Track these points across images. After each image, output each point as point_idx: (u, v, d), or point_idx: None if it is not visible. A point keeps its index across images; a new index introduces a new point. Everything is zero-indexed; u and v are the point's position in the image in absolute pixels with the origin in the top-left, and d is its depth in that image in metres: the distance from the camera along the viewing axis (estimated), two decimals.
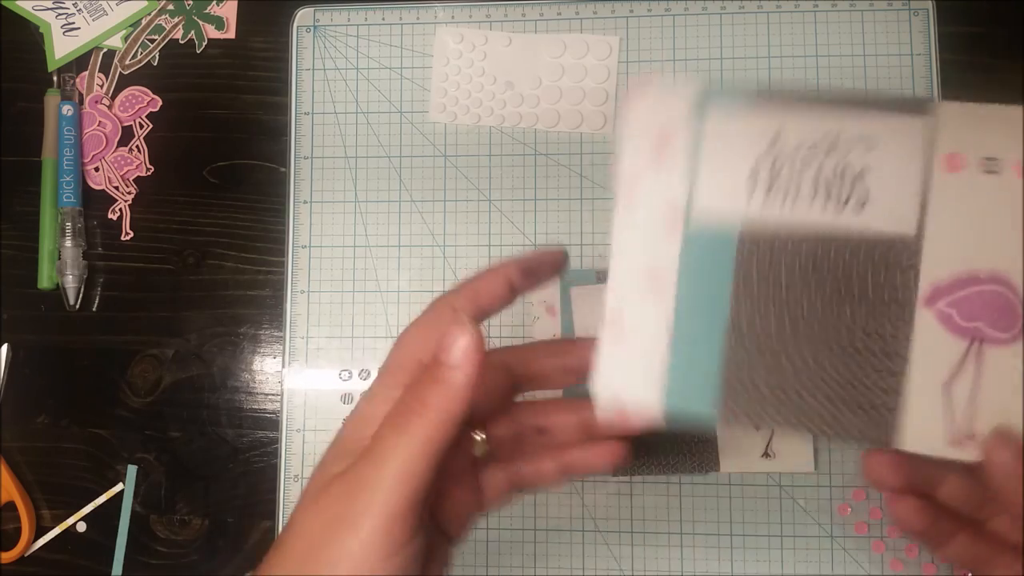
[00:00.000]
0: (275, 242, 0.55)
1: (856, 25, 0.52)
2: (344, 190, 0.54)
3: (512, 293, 0.33)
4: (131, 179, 0.56)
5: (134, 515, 0.53)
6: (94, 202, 0.56)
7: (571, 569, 0.50)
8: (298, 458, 0.52)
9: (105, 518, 0.53)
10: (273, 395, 0.54)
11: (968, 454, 0.31)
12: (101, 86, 0.57)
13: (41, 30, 0.57)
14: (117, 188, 0.56)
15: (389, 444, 0.29)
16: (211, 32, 0.57)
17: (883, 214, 0.31)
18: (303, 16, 0.56)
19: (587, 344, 0.33)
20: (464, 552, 0.51)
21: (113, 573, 0.53)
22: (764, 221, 0.32)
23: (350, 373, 0.53)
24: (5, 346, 0.55)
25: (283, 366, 0.53)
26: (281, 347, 0.54)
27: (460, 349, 0.30)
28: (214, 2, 0.57)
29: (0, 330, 0.55)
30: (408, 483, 0.28)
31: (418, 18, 0.55)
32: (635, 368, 0.33)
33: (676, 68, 0.54)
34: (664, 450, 0.50)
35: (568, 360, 0.36)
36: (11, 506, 0.53)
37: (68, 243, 0.54)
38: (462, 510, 0.34)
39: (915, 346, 0.31)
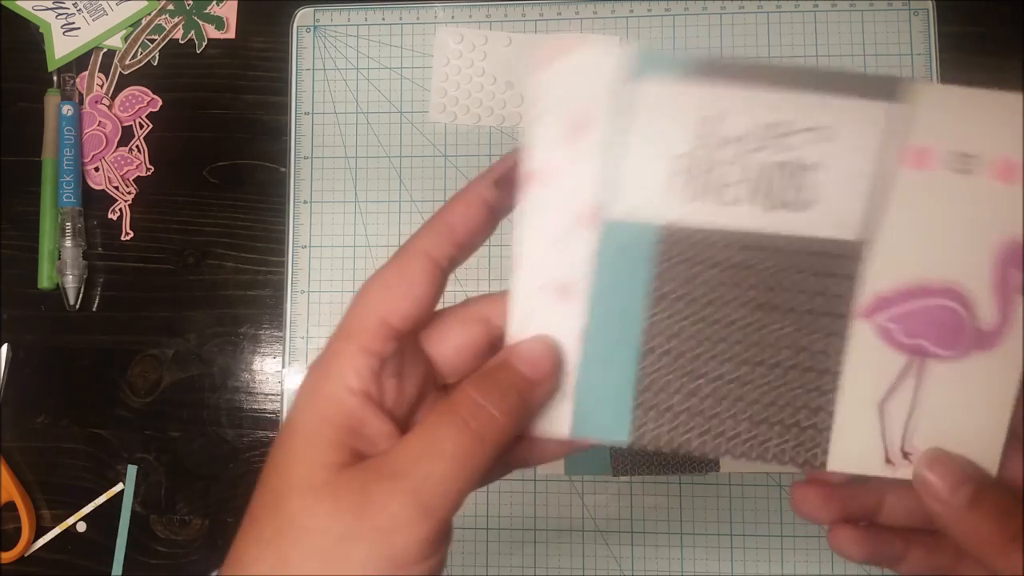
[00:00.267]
0: (275, 242, 0.55)
1: (856, 25, 0.53)
2: (344, 190, 0.55)
3: (492, 215, 0.29)
4: (131, 179, 0.56)
5: (134, 515, 0.53)
6: (94, 202, 0.56)
7: (571, 569, 0.50)
8: None
9: (105, 518, 0.54)
10: (273, 395, 0.54)
11: (904, 472, 0.29)
12: (101, 86, 0.57)
13: (41, 30, 0.57)
14: (117, 188, 0.56)
15: (457, 444, 0.26)
16: (211, 32, 0.57)
17: (826, 217, 0.28)
18: (303, 16, 0.56)
19: None
20: (464, 552, 0.51)
21: (113, 573, 0.53)
22: (688, 223, 0.28)
23: None
24: (5, 346, 0.55)
25: (283, 366, 0.53)
26: (281, 347, 0.54)
27: (546, 367, 0.28)
28: (214, 2, 0.57)
29: (0, 330, 0.55)
30: (468, 488, 0.26)
31: (418, 18, 0.55)
32: None
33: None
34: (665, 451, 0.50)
35: None
36: (11, 506, 0.53)
37: (68, 243, 0.54)
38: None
39: (848, 362, 0.28)
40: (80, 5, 0.58)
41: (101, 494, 0.54)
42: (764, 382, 0.29)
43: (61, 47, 0.58)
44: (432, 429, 0.27)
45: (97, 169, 0.57)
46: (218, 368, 0.55)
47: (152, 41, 0.58)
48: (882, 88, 0.26)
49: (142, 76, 0.57)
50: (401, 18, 0.56)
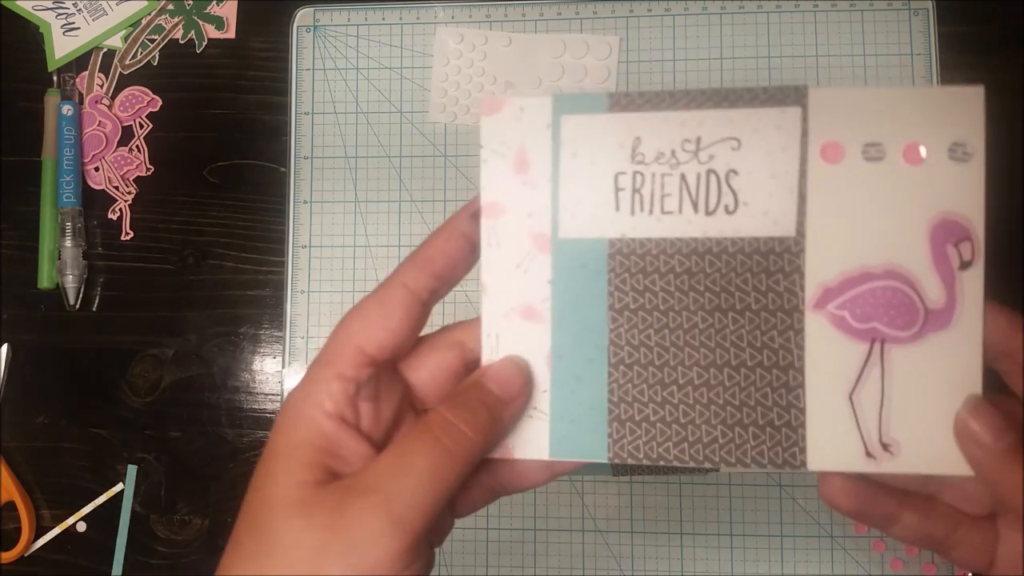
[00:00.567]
0: (275, 242, 0.55)
1: (856, 25, 0.53)
2: (344, 190, 0.55)
3: (472, 247, 0.31)
4: (131, 179, 0.56)
5: (134, 515, 0.53)
6: (94, 202, 0.56)
7: (571, 569, 0.51)
8: None
9: (105, 518, 0.54)
10: (273, 395, 0.54)
11: (888, 466, 0.29)
12: (101, 86, 0.57)
13: (41, 30, 0.58)
14: (117, 188, 0.56)
15: (428, 460, 0.27)
16: (211, 32, 0.57)
17: (757, 217, 0.30)
18: (303, 16, 0.56)
19: None
20: (464, 552, 0.51)
21: (113, 573, 0.53)
22: (633, 238, 0.30)
23: None
24: (5, 346, 0.55)
25: (283, 366, 0.54)
26: (281, 347, 0.54)
27: (516, 386, 0.30)
28: (214, 2, 0.57)
29: (0, 330, 0.55)
30: (440, 502, 0.27)
31: (418, 18, 0.55)
32: None
33: (676, 68, 0.54)
34: None
35: None
36: (11, 506, 0.53)
37: (68, 243, 0.55)
38: (439, 518, 0.33)
39: (809, 355, 0.29)
40: (80, 5, 0.58)
41: (101, 494, 0.54)
42: (732, 384, 0.30)
43: (61, 47, 0.58)
44: (405, 446, 0.28)
45: (97, 169, 0.57)
46: (218, 368, 0.55)
47: (152, 41, 0.58)
48: (778, 97, 0.29)
49: (142, 76, 0.58)
50: (401, 18, 0.56)
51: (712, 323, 0.30)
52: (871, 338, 0.29)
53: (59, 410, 0.56)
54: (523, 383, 0.30)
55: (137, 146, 0.57)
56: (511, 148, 0.31)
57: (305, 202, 0.56)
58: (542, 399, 0.31)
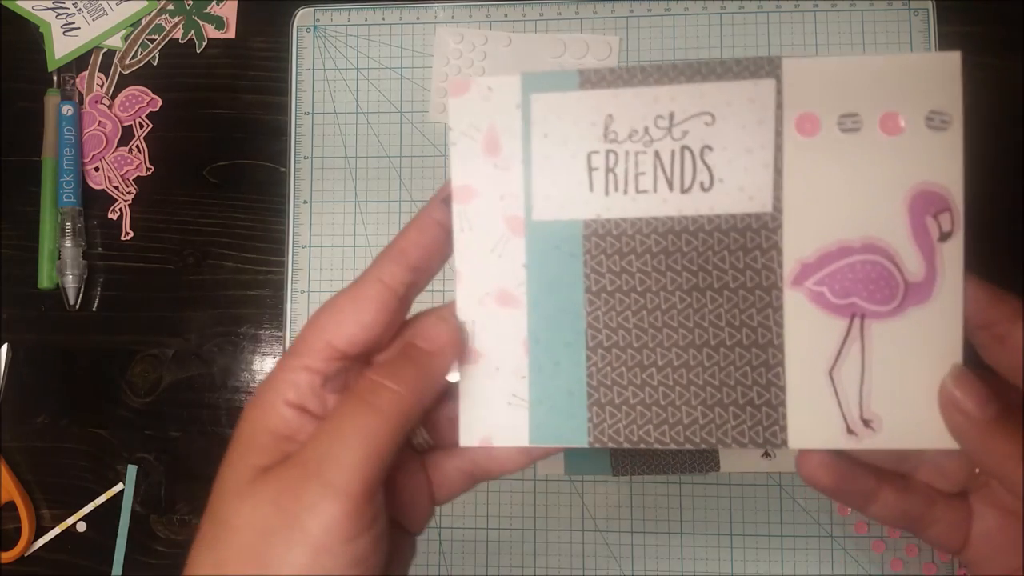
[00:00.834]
0: (275, 242, 0.55)
1: (856, 25, 0.53)
2: (344, 190, 0.55)
3: (447, 233, 0.31)
4: (131, 179, 0.56)
5: (134, 515, 0.54)
6: (94, 202, 0.57)
7: (571, 569, 0.51)
8: None
9: (105, 518, 0.54)
10: None
11: (869, 443, 0.29)
12: (101, 86, 0.57)
13: (41, 30, 0.58)
14: (117, 188, 0.56)
15: (355, 421, 0.27)
16: (211, 32, 0.57)
17: (733, 193, 0.29)
18: (303, 16, 0.56)
19: None
20: (464, 552, 0.51)
21: (113, 573, 0.53)
22: (608, 218, 0.30)
23: None
24: (5, 346, 0.55)
25: None
26: (281, 347, 0.54)
27: (442, 337, 0.30)
28: (214, 2, 0.57)
29: (0, 330, 0.55)
30: (375, 462, 0.27)
31: (418, 18, 0.56)
32: (496, 396, 0.31)
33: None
34: (664, 449, 0.50)
35: None
36: (11, 506, 0.54)
37: (68, 243, 0.55)
38: (414, 501, 0.32)
39: (789, 333, 0.29)
40: (80, 5, 0.58)
41: (101, 494, 0.55)
42: (711, 364, 0.30)
43: (61, 47, 0.58)
44: (335, 414, 0.28)
45: (97, 169, 0.57)
46: (218, 368, 0.55)
47: (152, 41, 0.58)
48: (752, 68, 0.29)
49: (142, 76, 0.58)
50: (401, 18, 0.56)
51: (690, 303, 0.29)
52: (851, 313, 0.29)
53: (59, 410, 0.56)
54: (448, 333, 0.30)
55: (137, 146, 0.58)
56: (480, 130, 0.30)
57: (305, 202, 0.56)
58: (520, 385, 0.30)
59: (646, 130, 0.29)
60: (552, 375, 0.30)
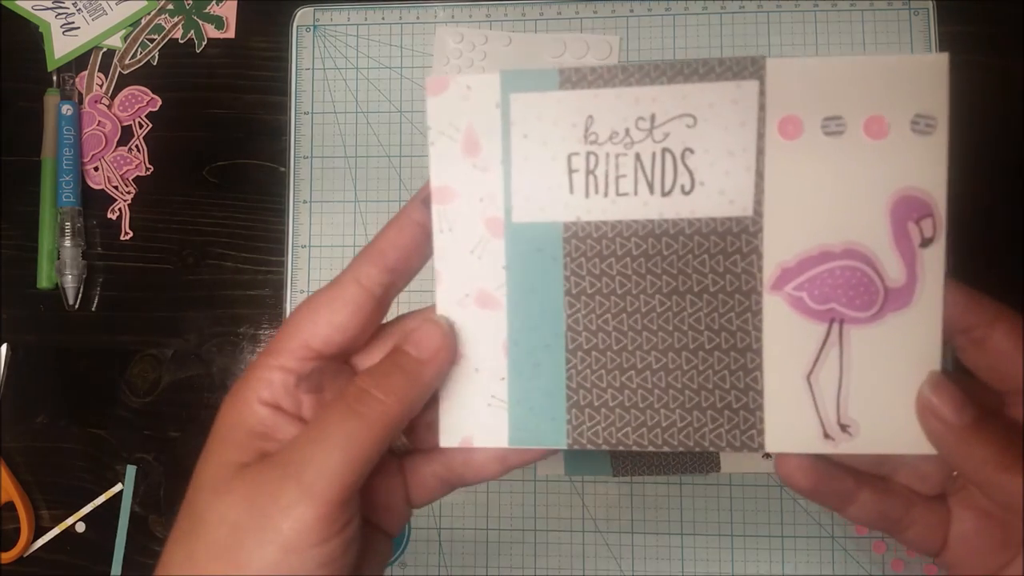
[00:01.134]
0: (275, 242, 0.55)
1: (856, 25, 0.53)
2: (344, 190, 0.55)
3: (427, 234, 0.31)
4: (130, 179, 0.56)
5: (133, 515, 0.54)
6: (93, 202, 0.57)
7: (571, 569, 0.51)
8: None
9: (104, 518, 0.55)
10: None
11: (846, 447, 0.29)
12: (101, 86, 0.57)
13: (41, 30, 0.58)
14: (116, 188, 0.56)
15: (339, 428, 0.28)
16: (211, 32, 0.57)
17: (714, 197, 0.29)
18: (303, 16, 0.56)
19: None
20: (464, 552, 0.51)
21: (112, 573, 0.53)
22: (588, 221, 0.30)
23: None
24: (4, 346, 0.55)
25: None
26: None
27: (433, 344, 0.30)
28: (214, 2, 0.57)
29: (0, 329, 0.55)
30: (355, 469, 0.27)
31: (418, 18, 0.56)
32: (476, 398, 0.31)
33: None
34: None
35: None
36: (10, 506, 0.54)
37: (67, 243, 0.55)
38: (390, 503, 0.32)
39: (767, 337, 0.29)
40: (80, 5, 0.58)
41: (100, 494, 0.55)
42: (690, 367, 0.30)
43: (61, 47, 0.58)
44: (319, 418, 0.29)
45: (96, 169, 0.57)
46: (217, 368, 0.55)
47: (152, 41, 0.58)
48: (734, 69, 0.28)
49: (142, 76, 0.58)
50: (401, 18, 0.57)
51: (670, 306, 0.29)
52: (830, 319, 0.29)
53: (58, 410, 0.56)
54: (441, 340, 0.30)
55: (136, 146, 0.58)
56: (459, 129, 0.30)
57: (305, 202, 0.56)
58: (500, 387, 0.30)
59: (627, 132, 0.29)
60: (531, 377, 0.30)
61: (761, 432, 0.29)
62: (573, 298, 0.30)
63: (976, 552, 0.31)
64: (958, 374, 0.30)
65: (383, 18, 0.58)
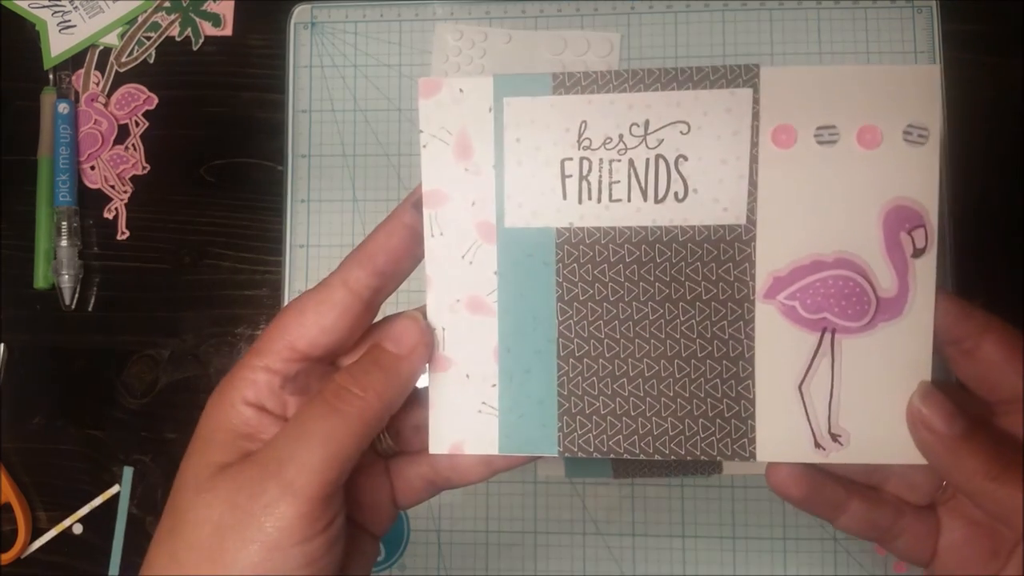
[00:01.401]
0: (272, 241, 0.55)
1: (859, 23, 0.53)
2: (342, 188, 0.55)
3: (416, 237, 0.31)
4: (127, 178, 0.56)
5: (130, 517, 0.54)
6: (90, 201, 0.57)
7: (571, 570, 0.51)
8: None
9: (101, 520, 0.55)
10: None
11: (837, 457, 0.29)
12: (97, 84, 0.57)
13: (37, 28, 0.58)
14: (113, 187, 0.56)
15: (318, 425, 0.28)
16: (208, 29, 0.57)
17: (707, 204, 0.29)
18: (300, 13, 0.56)
19: None
20: (464, 553, 0.51)
21: (110, 575, 0.53)
22: (581, 227, 0.30)
23: None
24: (1, 346, 0.55)
25: None
26: None
27: (411, 340, 0.30)
28: None
29: None
30: (335, 466, 0.27)
31: (417, 15, 0.56)
32: (466, 404, 0.31)
33: (678, 66, 0.54)
34: None
35: None
36: (7, 508, 0.54)
37: (64, 242, 0.55)
38: (376, 504, 0.33)
39: (759, 346, 0.29)
40: (76, 3, 0.58)
41: (97, 496, 0.55)
42: (682, 375, 0.30)
43: (57, 45, 0.58)
44: (299, 416, 0.29)
45: (93, 168, 0.57)
46: (214, 369, 0.55)
47: (148, 38, 0.58)
48: (729, 77, 0.29)
49: (138, 74, 0.58)
50: (399, 15, 0.56)
51: (662, 314, 0.30)
52: (821, 328, 0.29)
53: (55, 411, 0.56)
54: (419, 335, 0.30)
55: (133, 144, 0.58)
56: (452, 133, 0.30)
57: (302, 201, 0.56)
58: (490, 393, 0.31)
59: (620, 137, 0.29)
60: (522, 383, 0.31)
61: (752, 441, 0.30)
62: (565, 304, 0.30)
63: (966, 562, 0.31)
64: (948, 384, 0.30)
65: (381, 15, 0.57)
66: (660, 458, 0.30)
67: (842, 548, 0.51)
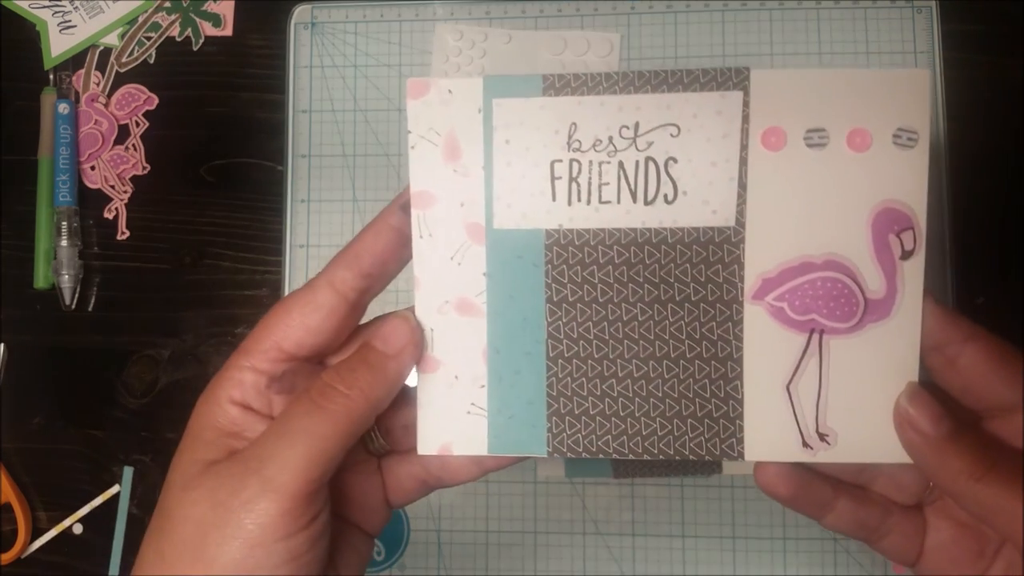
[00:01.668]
0: (272, 241, 0.55)
1: (859, 23, 0.53)
2: (342, 189, 0.55)
3: (404, 239, 0.31)
4: (127, 178, 0.57)
5: (130, 517, 0.54)
6: (90, 201, 0.57)
7: (571, 570, 0.51)
8: None
9: (101, 520, 0.55)
10: None
11: (824, 456, 0.30)
12: (97, 84, 0.57)
13: (37, 28, 0.58)
14: (113, 187, 0.56)
15: (302, 422, 0.28)
16: (208, 29, 0.57)
17: (697, 207, 0.29)
18: (301, 13, 0.57)
19: None
20: (464, 554, 0.51)
21: (110, 575, 0.53)
22: (570, 228, 0.30)
23: None
24: (1, 346, 0.56)
25: None
26: None
27: (400, 340, 0.30)
28: None
29: None
30: (318, 464, 0.27)
31: (417, 15, 0.56)
32: (455, 405, 0.31)
33: (678, 66, 0.54)
34: None
35: None
36: (7, 508, 0.54)
37: (64, 242, 0.55)
38: (368, 503, 0.33)
39: (748, 347, 0.30)
40: (76, 3, 0.58)
41: (97, 496, 0.55)
42: (670, 376, 0.30)
43: (57, 45, 0.58)
44: (283, 414, 0.29)
45: (93, 168, 0.57)
46: (214, 369, 0.55)
47: (149, 39, 0.58)
48: (719, 79, 0.29)
49: (138, 74, 0.58)
50: (400, 15, 0.57)
51: (651, 315, 0.30)
52: (810, 329, 0.30)
53: (55, 411, 0.56)
54: (408, 335, 0.30)
55: (133, 145, 0.58)
56: (440, 134, 0.30)
57: (302, 201, 0.56)
58: (479, 394, 0.31)
59: (610, 140, 0.29)
60: (512, 385, 0.31)
61: (741, 441, 0.30)
62: (555, 306, 0.30)
63: (952, 562, 0.32)
64: (935, 386, 0.30)
65: (382, 15, 0.57)
66: (649, 458, 0.30)
67: (842, 548, 0.51)
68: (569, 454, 0.31)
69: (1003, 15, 0.53)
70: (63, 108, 0.57)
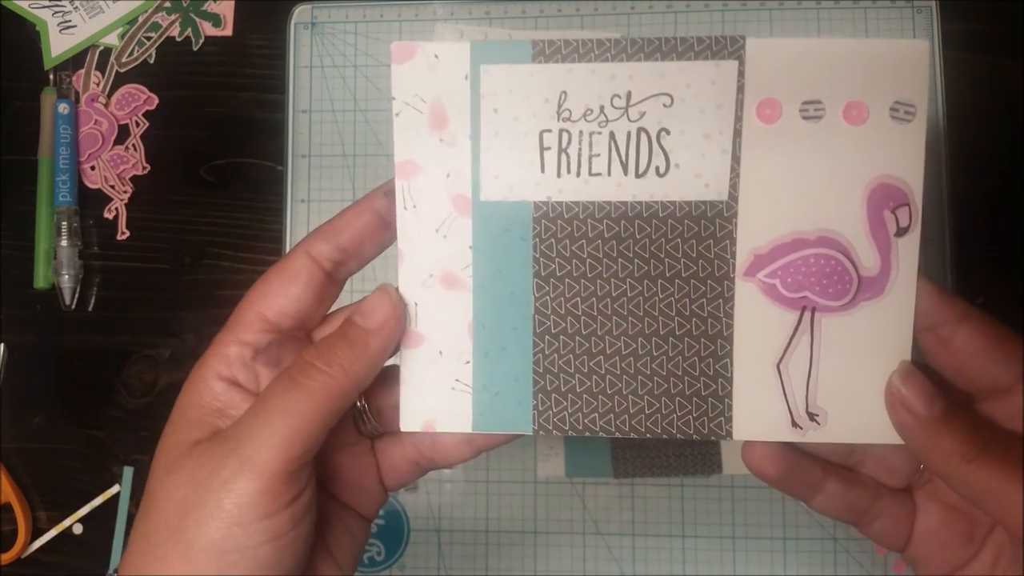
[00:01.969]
0: (272, 241, 0.55)
1: (859, 23, 0.53)
2: (342, 189, 0.55)
3: (384, 223, 0.30)
4: (127, 178, 0.57)
5: (130, 517, 0.54)
6: (90, 201, 0.57)
7: (571, 570, 0.51)
8: None
9: (101, 520, 0.55)
10: None
11: (813, 436, 0.29)
12: (97, 84, 0.57)
13: (37, 28, 0.58)
14: (113, 187, 0.57)
15: (281, 400, 0.28)
16: (208, 29, 0.57)
17: (689, 180, 0.28)
18: (301, 13, 0.57)
19: None
20: (464, 554, 0.52)
21: (109, 575, 0.53)
22: (559, 201, 0.29)
23: None
24: (1, 346, 0.56)
25: None
26: None
27: (381, 314, 0.29)
28: None
29: None
30: (298, 442, 0.27)
31: (417, 15, 0.56)
32: (439, 381, 0.30)
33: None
34: (666, 451, 0.51)
35: None
36: (7, 508, 0.54)
37: (64, 243, 0.55)
38: (362, 485, 0.33)
39: (738, 324, 0.29)
40: (76, 3, 0.59)
41: (97, 496, 0.55)
42: (659, 353, 0.30)
43: (57, 45, 0.58)
44: (264, 392, 0.29)
45: (93, 168, 0.57)
46: None
47: (149, 39, 0.58)
48: (714, 48, 0.28)
49: (138, 74, 0.58)
50: (400, 15, 0.57)
51: (640, 291, 0.29)
52: (801, 307, 0.29)
53: (55, 411, 0.56)
54: (390, 309, 0.29)
55: (133, 145, 0.58)
56: (426, 101, 0.29)
57: (303, 201, 0.56)
58: (464, 370, 0.30)
59: (601, 109, 0.28)
60: (497, 361, 0.30)
61: (729, 420, 0.30)
62: (542, 280, 0.29)
63: (942, 546, 0.31)
64: (928, 366, 0.29)
65: (381, 15, 0.58)
66: (636, 436, 0.30)
67: (842, 548, 0.51)
68: (555, 432, 0.30)
69: (1003, 15, 0.53)
70: (63, 108, 0.57)
